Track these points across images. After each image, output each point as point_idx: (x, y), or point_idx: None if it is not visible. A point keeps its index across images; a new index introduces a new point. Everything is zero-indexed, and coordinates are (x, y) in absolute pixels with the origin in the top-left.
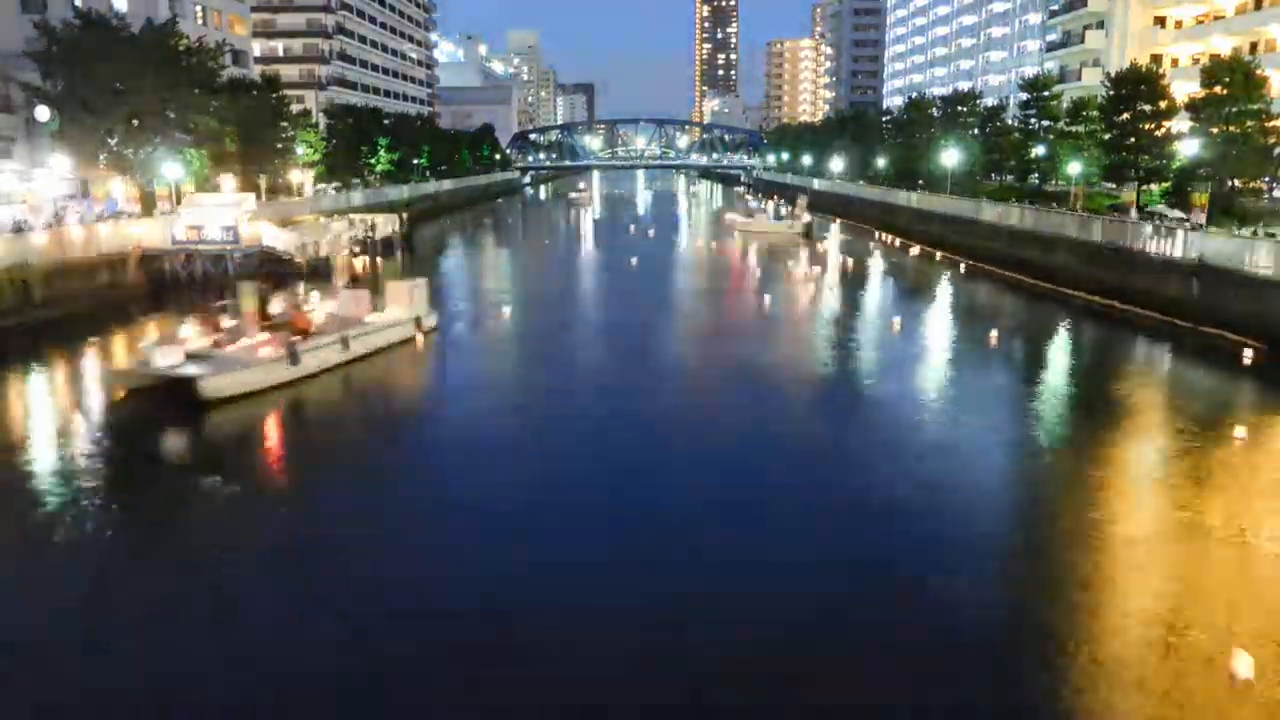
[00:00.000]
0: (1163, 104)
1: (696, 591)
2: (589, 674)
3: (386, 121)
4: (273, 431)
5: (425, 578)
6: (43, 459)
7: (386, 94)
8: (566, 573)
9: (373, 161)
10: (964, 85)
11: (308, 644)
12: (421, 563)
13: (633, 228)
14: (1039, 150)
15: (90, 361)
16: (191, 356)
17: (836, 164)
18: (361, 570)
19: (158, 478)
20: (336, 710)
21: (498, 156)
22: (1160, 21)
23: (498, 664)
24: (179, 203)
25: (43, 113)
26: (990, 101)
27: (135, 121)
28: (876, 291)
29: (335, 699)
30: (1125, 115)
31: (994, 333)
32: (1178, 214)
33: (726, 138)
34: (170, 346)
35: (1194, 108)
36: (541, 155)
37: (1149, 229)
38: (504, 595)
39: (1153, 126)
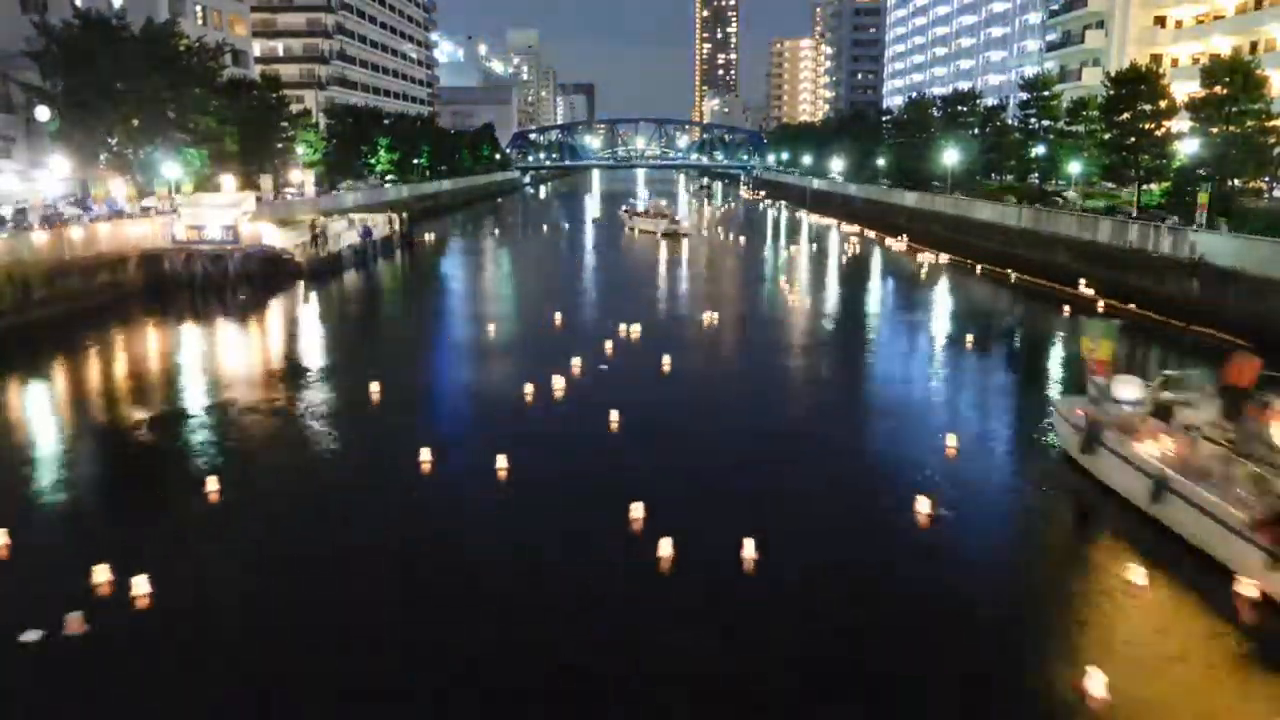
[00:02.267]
0: (1163, 104)
1: None
2: None
3: (386, 121)
4: None
5: None
6: None
7: (386, 94)
8: None
9: (373, 161)
10: (964, 85)
11: None
12: None
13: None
14: (1039, 150)
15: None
16: None
17: (836, 164)
18: None
19: None
20: None
21: (498, 156)
22: (1160, 21)
23: None
24: (174, 196)
25: (43, 113)
26: (990, 101)
27: (135, 121)
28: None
29: None
30: (1125, 115)
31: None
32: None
33: (727, 137)
34: None
35: (1194, 108)
36: (541, 155)
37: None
38: None
39: (1153, 126)
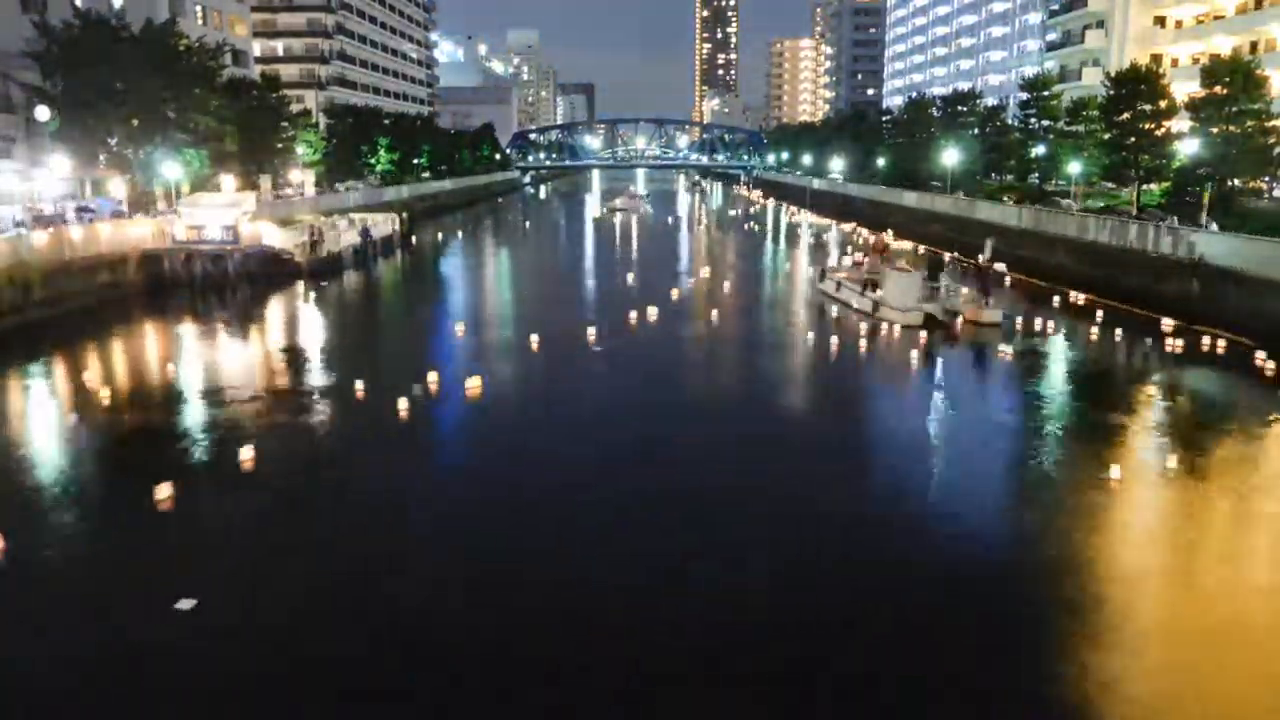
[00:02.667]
0: (1163, 104)
1: None
2: None
3: (386, 121)
4: None
5: None
6: None
7: (386, 94)
8: None
9: (373, 161)
10: (964, 85)
11: None
12: None
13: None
14: (1039, 150)
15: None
16: None
17: (836, 164)
18: None
19: None
20: None
21: (498, 156)
22: (1160, 21)
23: None
24: (174, 200)
25: (43, 113)
26: (990, 101)
27: (135, 121)
28: None
29: None
30: (1125, 115)
31: None
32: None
33: (726, 137)
34: None
35: (1194, 108)
36: (541, 155)
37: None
38: None
39: (1153, 126)
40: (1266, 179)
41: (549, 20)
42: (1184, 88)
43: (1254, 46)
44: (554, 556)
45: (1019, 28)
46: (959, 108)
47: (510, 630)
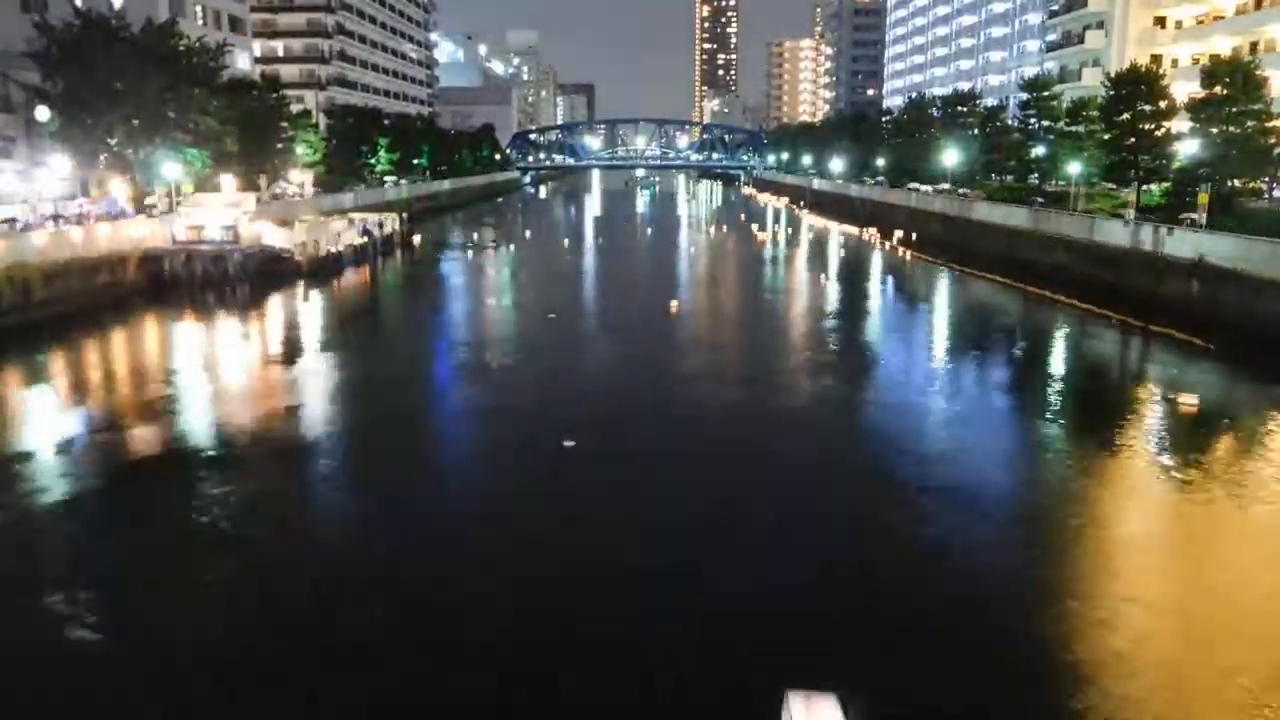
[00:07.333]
0: (1163, 104)
1: None
2: None
3: (386, 122)
4: None
5: None
6: None
7: (386, 94)
8: None
9: (373, 162)
10: (964, 85)
11: None
12: None
13: None
14: (1039, 150)
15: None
16: None
17: (837, 164)
18: None
19: None
20: None
21: (498, 156)
22: (1160, 22)
23: None
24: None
25: (43, 113)
26: (990, 102)
27: (135, 121)
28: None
29: None
30: (1125, 115)
31: None
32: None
33: (727, 138)
34: None
35: (1194, 108)
36: (541, 155)
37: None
38: None
39: (1153, 126)
40: (1266, 179)
41: (549, 20)
42: (1184, 88)
43: (1254, 47)
44: None
45: (1019, 28)
46: (959, 108)
47: None
